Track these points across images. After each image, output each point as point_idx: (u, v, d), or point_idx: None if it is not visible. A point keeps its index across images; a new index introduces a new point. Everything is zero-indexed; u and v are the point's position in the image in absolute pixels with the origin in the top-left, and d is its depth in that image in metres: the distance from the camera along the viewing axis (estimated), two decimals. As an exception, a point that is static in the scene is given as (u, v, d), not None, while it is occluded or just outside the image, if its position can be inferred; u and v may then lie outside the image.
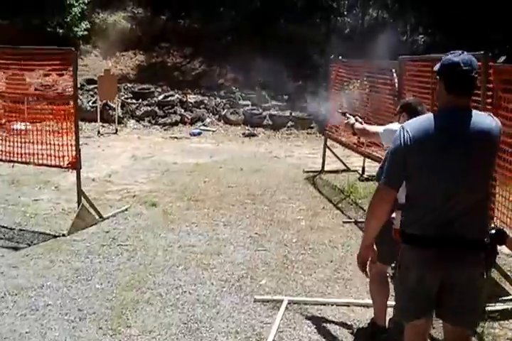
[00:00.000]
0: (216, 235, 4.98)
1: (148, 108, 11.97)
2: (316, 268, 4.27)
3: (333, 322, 3.42)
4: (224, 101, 12.36)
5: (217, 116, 12.05)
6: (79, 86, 11.78)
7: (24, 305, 3.50)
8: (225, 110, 12.08)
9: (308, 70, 12.68)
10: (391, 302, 3.14)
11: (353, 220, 5.46)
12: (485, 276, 2.26)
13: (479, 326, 3.22)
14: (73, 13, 13.33)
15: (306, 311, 3.54)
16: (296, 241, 4.88)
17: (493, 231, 2.28)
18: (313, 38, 14.10)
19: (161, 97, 12.25)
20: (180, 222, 5.32)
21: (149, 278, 3.99)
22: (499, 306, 3.47)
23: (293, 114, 11.77)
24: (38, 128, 5.46)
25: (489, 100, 3.59)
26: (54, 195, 6.21)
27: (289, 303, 3.61)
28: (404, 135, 2.19)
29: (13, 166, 5.71)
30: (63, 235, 4.84)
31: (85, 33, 13.78)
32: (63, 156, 5.08)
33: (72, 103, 5.11)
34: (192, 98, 12.40)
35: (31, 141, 5.29)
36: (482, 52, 3.52)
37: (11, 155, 5.40)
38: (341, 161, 7.73)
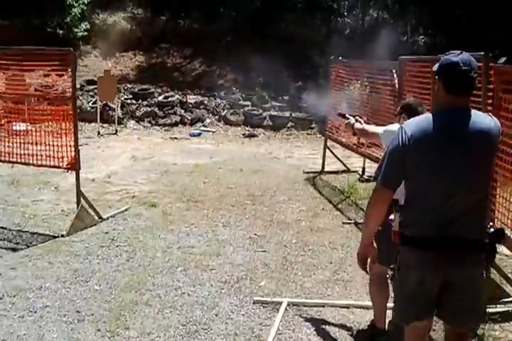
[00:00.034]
0: (215, 236, 4.97)
1: (148, 108, 11.96)
2: (315, 269, 4.25)
3: (333, 324, 3.40)
4: (224, 101, 12.36)
5: (217, 117, 12.04)
6: (79, 86, 11.89)
7: (22, 307, 3.49)
8: (225, 111, 12.07)
9: (309, 71, 12.67)
10: (391, 304, 3.13)
11: (353, 221, 5.44)
12: (485, 275, 2.26)
13: (480, 328, 3.21)
14: (73, 14, 13.33)
15: (306, 313, 3.52)
16: (296, 242, 4.86)
17: (492, 230, 2.29)
18: (313, 38, 14.10)
19: (160, 98, 12.24)
20: (180, 223, 5.31)
21: (148, 280, 3.97)
22: (500, 308, 3.45)
23: (293, 115, 11.75)
24: (37, 129, 5.45)
25: (490, 101, 3.57)
26: (53, 196, 6.19)
27: (288, 305, 3.59)
28: (402, 135, 2.18)
29: (12, 167, 5.71)
30: (62, 236, 4.83)
31: (85, 33, 13.78)
32: (62, 157, 5.07)
33: (71, 104, 5.10)
34: (192, 99, 12.39)
35: (30, 141, 5.28)
36: (483, 53, 3.51)
37: (11, 155, 5.39)
38: (341, 162, 7.72)
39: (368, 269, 2.64)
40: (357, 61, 7.22)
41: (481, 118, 2.21)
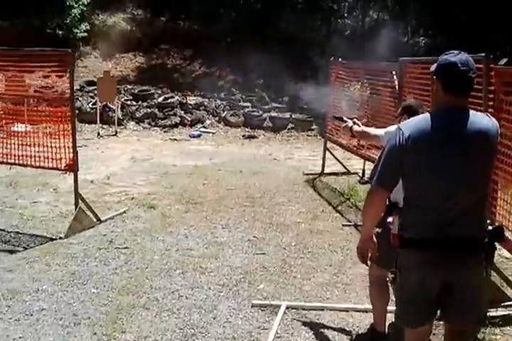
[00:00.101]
0: (214, 238, 4.94)
1: (148, 110, 11.94)
2: (314, 272, 4.22)
3: (332, 327, 3.37)
4: (224, 103, 12.34)
5: (217, 118, 12.02)
6: (79, 87, 11.89)
7: (18, 310, 3.46)
8: (225, 112, 12.05)
9: (309, 72, 12.64)
10: (391, 307, 3.10)
11: (352, 223, 5.41)
12: (485, 274, 2.28)
13: (480, 332, 3.19)
14: (73, 15, 13.32)
15: (305, 316, 3.49)
16: (295, 244, 4.83)
17: (491, 228, 2.29)
18: (313, 39, 14.08)
19: (160, 99, 12.23)
20: (179, 225, 5.28)
21: (146, 282, 3.94)
22: (501, 312, 3.42)
23: (293, 116, 11.73)
24: (35, 130, 5.43)
25: (491, 103, 3.54)
26: (52, 198, 6.17)
27: (287, 308, 3.56)
28: (400, 135, 2.18)
29: (10, 168, 5.69)
30: (60, 238, 4.81)
31: (85, 34, 13.76)
32: (60, 159, 5.05)
33: (69, 105, 5.08)
34: (192, 100, 12.38)
35: (29, 143, 5.26)
36: (483, 54, 3.48)
37: (9, 157, 5.37)
38: (341, 164, 7.69)
39: (368, 264, 2.62)
40: (357, 62, 7.20)
41: (480, 119, 2.20)
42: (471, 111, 2.21)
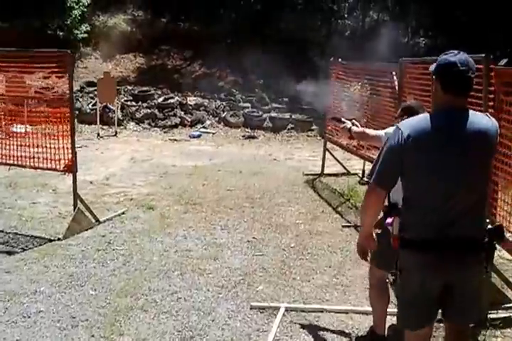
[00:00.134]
0: (213, 239, 4.91)
1: (148, 110, 11.93)
2: (314, 273, 4.20)
3: (331, 330, 3.35)
4: (224, 103, 12.33)
5: (217, 119, 12.01)
6: (79, 88, 11.88)
7: (16, 312, 3.44)
8: (225, 112, 12.03)
9: (309, 73, 12.61)
10: (391, 309, 3.08)
11: (352, 224, 5.38)
12: (486, 272, 2.30)
13: (481, 334, 3.16)
14: (73, 16, 13.31)
15: (304, 318, 3.47)
16: (295, 245, 4.81)
17: (490, 227, 2.28)
18: (313, 40, 14.06)
19: (160, 100, 12.22)
20: (178, 226, 5.26)
21: (144, 284, 3.92)
22: (501, 314, 3.40)
23: (293, 117, 11.72)
24: (34, 131, 5.42)
25: (491, 103, 3.52)
26: (51, 198, 6.15)
27: (286, 310, 3.53)
28: (399, 134, 2.17)
29: (9, 169, 5.67)
30: (59, 239, 4.79)
31: (85, 35, 13.75)
32: (59, 159, 5.04)
33: (68, 106, 5.07)
34: (192, 100, 12.37)
35: (28, 143, 5.25)
36: (483, 54, 3.46)
37: (8, 157, 5.36)
38: (341, 164, 7.67)
39: (368, 260, 2.61)
40: (357, 63, 7.18)
41: (479, 119, 2.20)
42: (471, 111, 2.20)
